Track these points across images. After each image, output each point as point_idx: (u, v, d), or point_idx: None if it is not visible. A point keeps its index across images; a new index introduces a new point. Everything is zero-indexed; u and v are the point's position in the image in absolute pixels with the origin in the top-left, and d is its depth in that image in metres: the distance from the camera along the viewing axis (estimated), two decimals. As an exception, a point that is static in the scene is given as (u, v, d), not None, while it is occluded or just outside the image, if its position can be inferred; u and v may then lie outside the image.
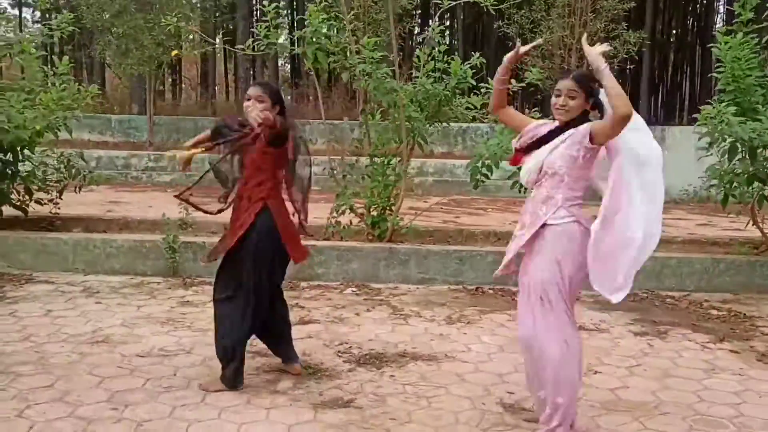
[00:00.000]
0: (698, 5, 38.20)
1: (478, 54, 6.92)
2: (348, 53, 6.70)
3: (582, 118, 3.37)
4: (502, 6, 6.99)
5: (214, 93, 30.85)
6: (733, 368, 4.66)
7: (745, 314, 5.99)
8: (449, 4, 7.02)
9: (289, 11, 34.89)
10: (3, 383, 3.97)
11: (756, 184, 6.51)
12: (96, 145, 15.56)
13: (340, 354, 4.68)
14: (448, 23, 36.59)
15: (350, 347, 4.82)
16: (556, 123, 3.46)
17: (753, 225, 7.22)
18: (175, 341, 4.82)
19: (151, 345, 4.72)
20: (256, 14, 28.93)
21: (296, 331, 5.06)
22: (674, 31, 40.30)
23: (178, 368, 4.31)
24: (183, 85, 37.27)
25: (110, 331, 4.98)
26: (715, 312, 6.06)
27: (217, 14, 21.55)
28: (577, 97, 3.32)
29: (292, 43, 6.86)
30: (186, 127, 16.25)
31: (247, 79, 22.68)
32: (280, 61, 34.08)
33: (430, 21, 40.49)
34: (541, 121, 3.66)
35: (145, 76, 15.14)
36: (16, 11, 39.35)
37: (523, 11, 15.57)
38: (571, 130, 3.35)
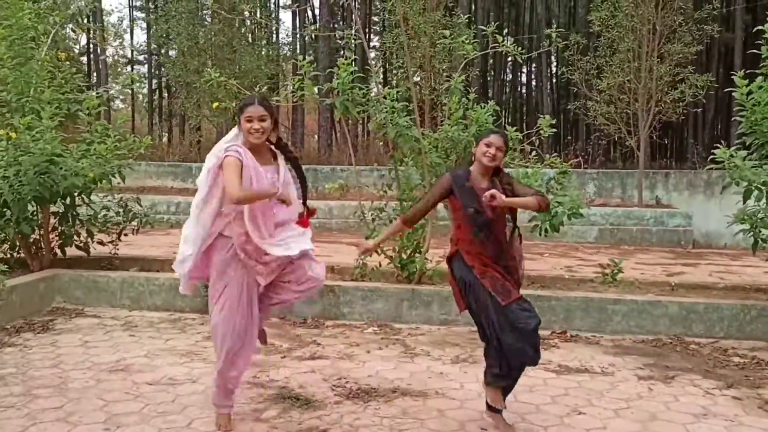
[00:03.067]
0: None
1: (492, 102, 7.10)
2: (373, 103, 7.05)
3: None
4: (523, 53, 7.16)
5: (302, 139, 31.92)
6: (728, 414, 4.57)
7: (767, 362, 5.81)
8: (475, 54, 7.29)
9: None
10: (20, 403, 4.44)
11: (785, 228, 6.35)
12: (178, 192, 16.56)
13: (333, 388, 4.91)
14: (536, 69, 36.63)
15: (347, 382, 5.04)
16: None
17: (792, 271, 6.98)
18: (186, 372, 5.19)
19: (163, 374, 5.11)
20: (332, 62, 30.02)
21: (302, 366, 5.39)
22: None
23: (179, 396, 4.66)
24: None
25: (132, 361, 5.42)
26: (737, 359, 5.90)
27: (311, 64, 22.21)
28: (267, 120, 3.84)
29: (325, 94, 7.27)
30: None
31: (327, 127, 23.53)
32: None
33: (522, 69, 40.68)
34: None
35: (222, 126, 16.14)
36: (129, 68, 42.28)
37: (587, 57, 15.63)
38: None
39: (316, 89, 7.51)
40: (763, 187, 5.80)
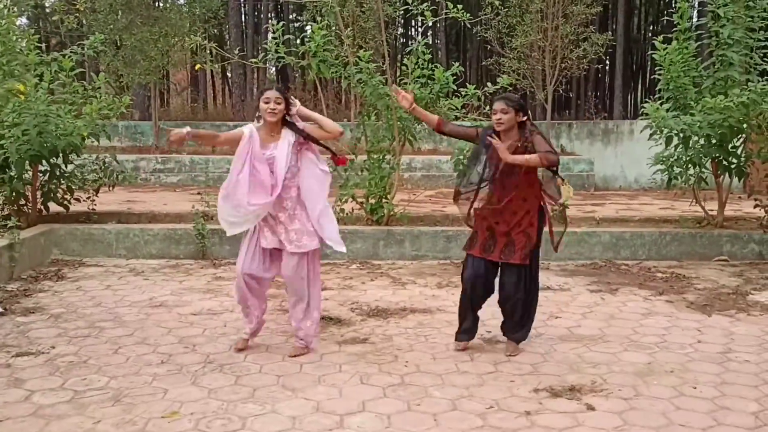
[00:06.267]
0: (674, 3, 39.61)
1: (457, 64, 8.08)
2: (346, 65, 7.85)
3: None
4: (476, 17, 8.11)
5: (205, 98, 31.71)
6: (666, 312, 5.86)
7: (684, 275, 7.21)
8: (432, 20, 8.19)
9: (273, 15, 35.95)
10: (93, 334, 5.10)
11: (693, 168, 7.74)
12: (106, 150, 16.55)
13: (353, 310, 5.84)
14: (430, 23, 37.77)
15: (360, 305, 5.98)
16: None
17: (696, 204, 8.44)
18: (218, 304, 5.95)
19: (200, 307, 5.85)
20: (245, 21, 29.96)
21: (315, 295, 6.23)
22: (652, 28, 41.71)
23: (227, 322, 5.45)
24: (171, 91, 38.19)
25: (164, 299, 6.12)
26: (660, 274, 7.28)
27: (209, 23, 22.30)
28: (282, 103, 4.56)
29: (300, 57, 7.97)
30: (188, 131, 17.30)
31: (240, 84, 23.78)
32: (269, 66, 35.06)
33: (413, 24, 41.94)
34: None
35: (148, 84, 16.28)
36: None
37: (499, 17, 16.82)
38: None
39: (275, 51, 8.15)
40: (681, 134, 7.10)
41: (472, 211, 4.84)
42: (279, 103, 4.55)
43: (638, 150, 16.06)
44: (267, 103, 4.56)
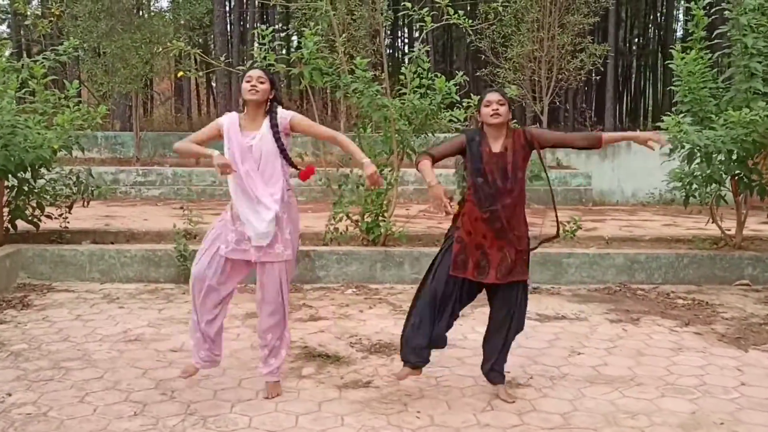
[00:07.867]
0: (659, 15, 39.57)
1: (461, 73, 7.54)
2: (341, 73, 7.28)
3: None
4: (475, 24, 7.59)
5: (189, 108, 31.09)
6: (697, 347, 5.30)
7: (707, 302, 6.66)
8: (432, 26, 7.64)
9: (259, 24, 35.47)
10: (58, 376, 4.47)
11: (712, 185, 7.24)
12: (83, 162, 15.87)
13: (352, 345, 5.23)
14: (417, 33, 37.43)
15: (360, 339, 5.37)
16: None
17: (712, 223, 7.93)
18: (201, 338, 5.32)
19: (180, 342, 5.22)
20: (230, 30, 29.41)
21: (308, 327, 5.66)
22: (637, 40, 41.67)
23: (211, 360, 4.82)
24: (154, 101, 37.51)
25: (140, 331, 5.49)
26: (680, 301, 6.73)
27: (194, 31, 21.80)
28: (266, 83, 4.10)
29: (290, 64, 7.40)
30: (170, 142, 16.66)
31: (225, 94, 23.13)
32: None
33: (400, 36, 41.61)
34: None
35: (130, 93, 15.63)
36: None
37: (494, 26, 16.37)
38: None
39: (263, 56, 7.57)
40: (703, 149, 6.59)
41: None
42: (262, 83, 4.09)
43: (635, 164, 15.64)
44: (248, 81, 4.09)
